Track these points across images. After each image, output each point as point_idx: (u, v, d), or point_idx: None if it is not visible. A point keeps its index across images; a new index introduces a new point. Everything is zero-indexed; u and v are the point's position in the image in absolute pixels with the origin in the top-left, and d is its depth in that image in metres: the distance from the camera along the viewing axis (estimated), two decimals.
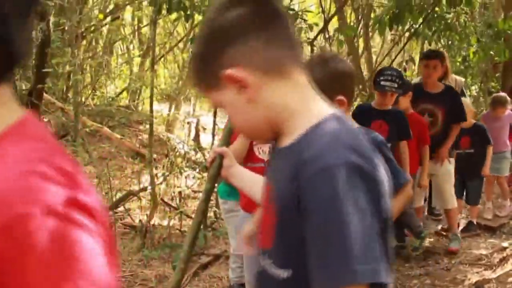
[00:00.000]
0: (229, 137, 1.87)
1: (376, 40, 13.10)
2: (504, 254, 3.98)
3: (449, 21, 6.07)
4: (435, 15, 5.42)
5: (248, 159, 2.56)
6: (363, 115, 3.43)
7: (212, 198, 5.51)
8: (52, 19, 6.16)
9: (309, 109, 0.98)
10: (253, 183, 1.48)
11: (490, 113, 5.50)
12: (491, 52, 6.38)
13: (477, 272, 3.90)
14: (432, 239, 4.79)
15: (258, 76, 0.95)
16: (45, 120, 7.29)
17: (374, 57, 10.68)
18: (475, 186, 4.96)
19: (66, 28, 6.78)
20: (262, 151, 2.59)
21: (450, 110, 4.21)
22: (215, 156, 1.60)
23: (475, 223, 5.06)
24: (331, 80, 1.68)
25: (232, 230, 2.95)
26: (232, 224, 2.92)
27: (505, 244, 4.27)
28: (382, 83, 3.54)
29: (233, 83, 0.96)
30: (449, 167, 4.37)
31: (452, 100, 4.26)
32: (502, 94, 5.67)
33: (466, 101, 4.71)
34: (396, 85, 3.53)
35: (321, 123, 0.95)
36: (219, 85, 0.98)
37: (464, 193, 4.98)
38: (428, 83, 4.36)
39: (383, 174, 0.92)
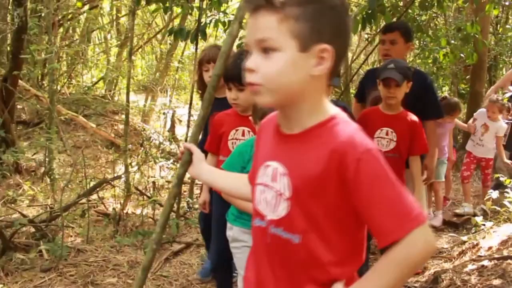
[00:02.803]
0: (198, 134, 1.96)
1: (354, 39, 13.30)
2: (463, 248, 4.17)
3: (421, 23, 6.26)
4: (408, 16, 5.59)
5: (222, 152, 2.67)
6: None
7: (185, 188, 5.60)
8: (29, 5, 6.13)
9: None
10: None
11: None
12: (461, 55, 6.59)
13: (437, 264, 4.09)
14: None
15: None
16: (20, 107, 7.25)
17: (350, 55, 10.86)
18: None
19: (43, 15, 6.74)
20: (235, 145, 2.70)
21: (415, 101, 3.27)
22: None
23: None
24: None
25: (237, 263, 2.48)
26: (237, 256, 2.44)
27: (464, 238, 4.47)
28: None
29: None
30: None
31: (421, 87, 3.36)
32: (456, 100, 5.59)
33: None
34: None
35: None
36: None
37: None
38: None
39: None
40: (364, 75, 4.17)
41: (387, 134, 3.26)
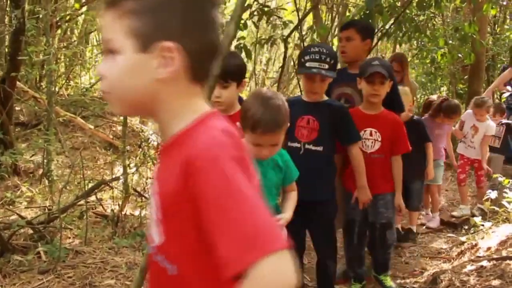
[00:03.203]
0: None
1: None
2: (462, 248, 4.17)
3: (419, 23, 6.27)
4: (406, 17, 5.59)
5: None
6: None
7: None
8: (27, 7, 6.12)
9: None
10: None
11: (433, 118, 5.08)
12: (459, 55, 6.60)
13: (436, 265, 4.09)
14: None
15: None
16: (18, 108, 7.24)
17: None
18: (416, 189, 4.51)
19: (41, 16, 6.73)
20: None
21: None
22: None
23: (414, 230, 4.78)
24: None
25: None
26: None
27: (463, 238, 4.47)
28: (307, 64, 2.82)
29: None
30: None
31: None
32: (457, 102, 5.41)
33: (404, 88, 4.09)
34: (326, 66, 2.79)
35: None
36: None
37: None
38: (346, 62, 3.61)
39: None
40: None
41: (371, 134, 3.21)
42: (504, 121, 6.07)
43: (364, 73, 3.11)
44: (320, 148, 2.92)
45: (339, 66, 3.20)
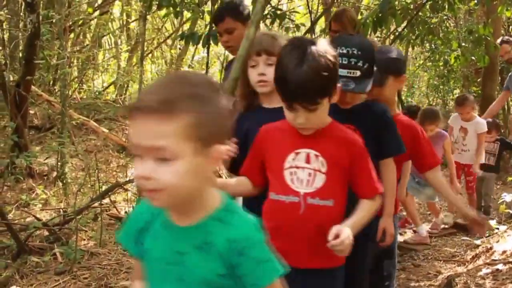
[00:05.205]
0: None
1: None
2: (477, 251, 4.14)
3: (432, 25, 6.25)
4: (419, 19, 5.58)
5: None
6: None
7: None
8: (41, 11, 6.19)
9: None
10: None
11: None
12: (472, 58, 6.56)
13: (450, 268, 4.07)
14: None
15: None
16: (32, 112, 7.31)
17: None
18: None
19: (55, 21, 6.80)
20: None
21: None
22: None
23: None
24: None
25: None
26: None
27: (478, 242, 4.43)
28: None
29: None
30: None
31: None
32: (434, 108, 5.06)
33: None
34: (358, 72, 2.06)
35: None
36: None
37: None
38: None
39: None
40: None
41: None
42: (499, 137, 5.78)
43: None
44: None
45: None
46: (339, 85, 1.85)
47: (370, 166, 1.85)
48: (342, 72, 1.97)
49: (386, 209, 2.23)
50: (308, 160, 1.79)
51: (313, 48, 1.71)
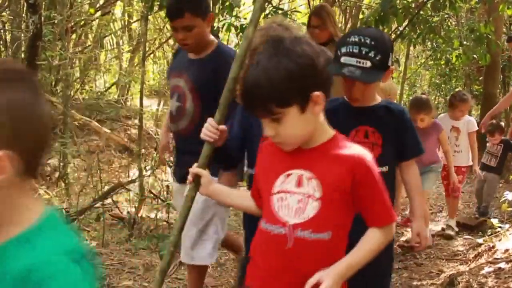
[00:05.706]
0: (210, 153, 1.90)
1: None
2: (479, 250, 4.14)
3: (433, 24, 6.25)
4: (420, 18, 5.58)
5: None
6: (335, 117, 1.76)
7: None
8: (43, 12, 6.20)
9: None
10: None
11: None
12: (474, 56, 6.56)
13: (453, 267, 4.07)
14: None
15: None
16: None
17: None
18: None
19: (57, 21, 6.82)
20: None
21: None
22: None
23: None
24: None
25: None
26: None
27: (480, 240, 4.43)
28: (342, 59, 1.92)
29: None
30: None
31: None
32: (421, 97, 4.74)
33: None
34: (369, 63, 1.90)
35: None
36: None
37: None
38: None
39: None
40: None
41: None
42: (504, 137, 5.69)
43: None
44: (385, 169, 2.03)
45: None
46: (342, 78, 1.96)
47: (381, 188, 1.48)
48: (350, 60, 1.87)
49: (416, 212, 2.14)
50: (299, 184, 1.46)
51: (286, 47, 1.41)
